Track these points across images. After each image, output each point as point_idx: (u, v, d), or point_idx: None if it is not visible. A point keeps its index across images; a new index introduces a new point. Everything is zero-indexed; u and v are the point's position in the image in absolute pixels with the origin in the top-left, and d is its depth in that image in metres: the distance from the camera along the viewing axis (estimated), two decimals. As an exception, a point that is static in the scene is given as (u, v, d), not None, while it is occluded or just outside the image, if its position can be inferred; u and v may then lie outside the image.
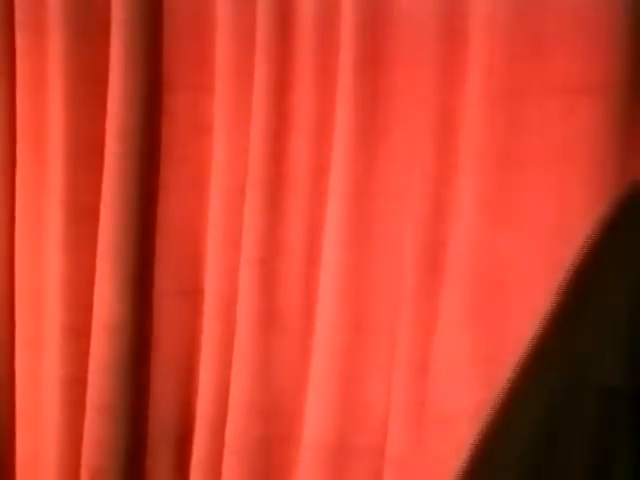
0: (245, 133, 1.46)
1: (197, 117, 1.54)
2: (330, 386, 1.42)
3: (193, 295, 1.54)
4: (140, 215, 1.54)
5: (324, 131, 1.43)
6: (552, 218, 1.26)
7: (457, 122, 1.31)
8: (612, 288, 1.23)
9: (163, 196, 1.56)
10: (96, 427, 1.55)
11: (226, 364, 1.48)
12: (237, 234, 1.48)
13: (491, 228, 1.29)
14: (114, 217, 1.53)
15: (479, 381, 1.30)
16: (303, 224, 1.46)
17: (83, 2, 1.55)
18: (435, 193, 1.34)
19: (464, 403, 1.31)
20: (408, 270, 1.36)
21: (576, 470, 1.23)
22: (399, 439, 1.38)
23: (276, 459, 1.48)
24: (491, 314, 1.29)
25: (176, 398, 1.57)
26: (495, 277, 1.29)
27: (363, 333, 1.42)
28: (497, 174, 1.28)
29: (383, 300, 1.42)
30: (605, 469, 1.21)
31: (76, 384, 1.59)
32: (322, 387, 1.43)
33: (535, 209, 1.27)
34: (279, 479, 1.48)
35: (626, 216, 1.22)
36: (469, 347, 1.30)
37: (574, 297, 1.24)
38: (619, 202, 1.21)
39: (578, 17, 1.21)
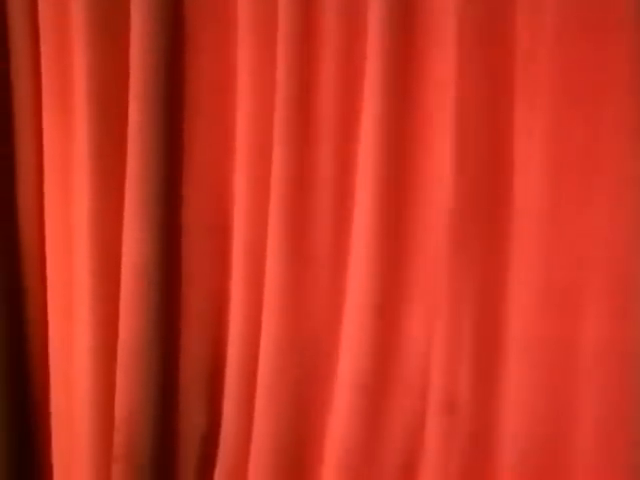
0: (271, 79, 1.45)
1: (223, 59, 1.53)
2: (366, 322, 1.40)
3: (222, 232, 1.54)
4: (167, 155, 1.53)
5: (352, 74, 1.41)
6: None
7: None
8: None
9: (190, 136, 1.55)
10: (128, 368, 1.55)
11: (257, 301, 1.48)
12: (265, 170, 1.46)
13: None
14: (141, 159, 1.52)
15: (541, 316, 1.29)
16: (334, 160, 1.44)
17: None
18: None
19: (518, 338, 1.30)
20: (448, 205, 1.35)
21: None
22: (444, 377, 1.36)
23: (310, 397, 1.47)
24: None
25: (207, 337, 1.57)
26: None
27: (401, 266, 1.40)
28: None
29: (422, 232, 1.39)
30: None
31: (107, 327, 1.60)
32: (358, 323, 1.41)
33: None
34: (313, 417, 1.47)
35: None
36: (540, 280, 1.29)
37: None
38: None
39: None
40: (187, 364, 1.58)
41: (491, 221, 1.32)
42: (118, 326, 1.57)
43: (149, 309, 1.54)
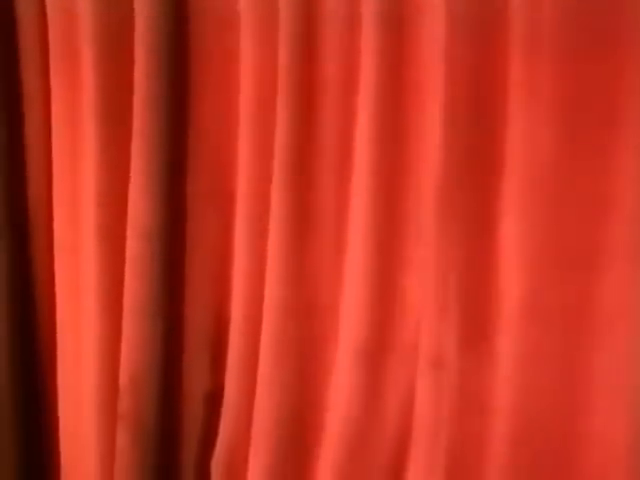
0: (273, 63, 1.47)
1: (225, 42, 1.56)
2: (365, 285, 1.44)
3: (225, 199, 1.57)
4: (171, 122, 1.56)
5: (351, 48, 1.43)
6: None
7: None
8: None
9: (195, 105, 1.58)
10: (133, 330, 1.59)
11: (260, 265, 1.51)
12: (268, 138, 1.49)
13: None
14: (146, 125, 1.55)
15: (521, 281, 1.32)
16: (334, 127, 1.47)
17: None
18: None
19: (505, 304, 1.33)
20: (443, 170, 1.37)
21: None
22: (434, 337, 1.39)
23: (312, 358, 1.50)
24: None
25: (211, 301, 1.61)
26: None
27: (398, 232, 1.43)
28: None
29: (415, 207, 1.42)
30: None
31: (112, 289, 1.63)
32: (357, 286, 1.44)
33: None
34: (316, 378, 1.51)
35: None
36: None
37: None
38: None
39: None
40: (191, 327, 1.62)
41: (479, 195, 1.35)
42: (122, 293, 1.60)
43: (153, 274, 1.58)
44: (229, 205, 1.56)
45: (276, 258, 1.48)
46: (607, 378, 1.30)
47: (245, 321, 1.53)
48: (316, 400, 1.51)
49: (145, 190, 1.56)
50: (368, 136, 1.41)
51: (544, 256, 1.30)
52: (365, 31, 1.40)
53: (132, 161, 1.57)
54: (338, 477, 1.47)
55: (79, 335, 1.70)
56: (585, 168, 1.28)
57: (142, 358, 1.60)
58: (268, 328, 1.49)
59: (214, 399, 1.60)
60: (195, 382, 1.62)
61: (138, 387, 1.60)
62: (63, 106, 1.66)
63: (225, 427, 1.58)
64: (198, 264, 1.59)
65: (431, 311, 1.38)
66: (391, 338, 1.44)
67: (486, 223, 1.34)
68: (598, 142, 1.27)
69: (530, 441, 1.34)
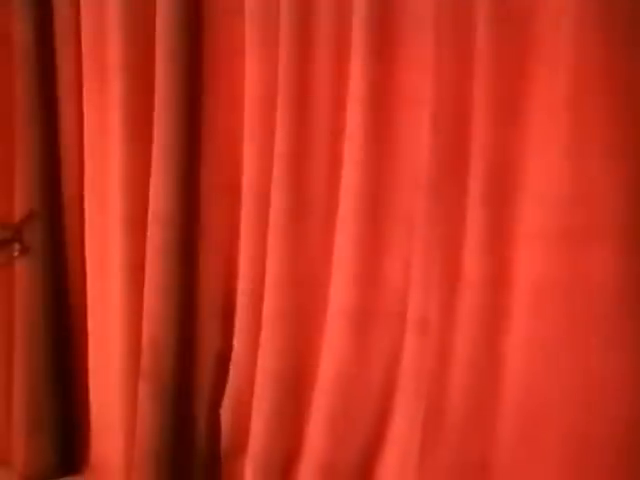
0: (274, 53, 1.71)
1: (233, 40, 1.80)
2: (351, 262, 1.68)
3: (233, 189, 1.82)
4: (188, 121, 1.82)
5: (340, 59, 1.67)
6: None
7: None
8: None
9: (209, 107, 1.83)
10: (155, 301, 1.85)
11: (262, 248, 1.76)
12: (270, 137, 1.73)
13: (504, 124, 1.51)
14: (166, 124, 1.81)
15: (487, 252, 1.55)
16: (326, 126, 1.71)
17: None
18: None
19: (476, 272, 1.55)
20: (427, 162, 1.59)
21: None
22: (420, 305, 1.62)
23: (307, 323, 1.76)
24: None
25: (221, 276, 1.87)
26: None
27: (381, 216, 1.67)
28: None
29: (400, 188, 1.65)
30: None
31: (135, 269, 1.89)
32: (344, 263, 1.70)
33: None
34: (310, 339, 1.76)
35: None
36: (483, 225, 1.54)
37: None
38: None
39: None
40: (204, 297, 1.88)
41: (455, 189, 1.57)
42: (144, 266, 1.86)
43: (171, 250, 1.84)
44: (237, 196, 1.81)
45: (275, 241, 1.74)
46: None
47: (250, 293, 1.80)
48: (310, 358, 1.76)
49: (164, 181, 1.82)
50: (357, 135, 1.64)
51: (503, 236, 1.54)
52: (355, 36, 1.62)
53: (153, 158, 1.83)
54: (329, 422, 1.73)
55: (107, 305, 1.96)
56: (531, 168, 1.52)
57: (160, 324, 1.86)
58: (269, 299, 1.76)
59: (224, 358, 1.86)
60: (207, 343, 1.88)
61: (158, 347, 1.86)
62: (94, 110, 1.92)
63: (233, 381, 1.85)
64: (210, 245, 1.85)
65: (417, 284, 1.62)
66: (374, 307, 1.69)
67: (461, 210, 1.57)
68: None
69: (485, 389, 1.57)
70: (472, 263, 1.57)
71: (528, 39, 1.47)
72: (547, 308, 1.50)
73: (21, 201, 2.00)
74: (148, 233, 1.86)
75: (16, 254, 1.89)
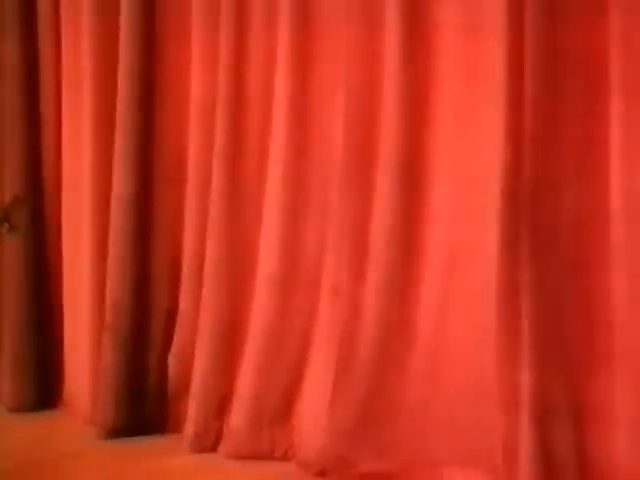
0: (215, 67, 2.14)
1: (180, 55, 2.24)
2: (276, 235, 2.07)
3: (180, 182, 2.23)
4: (144, 120, 2.24)
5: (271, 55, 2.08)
6: None
7: None
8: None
9: (161, 110, 2.25)
10: (115, 270, 2.25)
11: (203, 219, 2.15)
12: (210, 135, 2.15)
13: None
14: (125, 124, 2.23)
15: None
16: (257, 126, 2.11)
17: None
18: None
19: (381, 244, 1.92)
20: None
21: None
22: (333, 271, 2.00)
23: (239, 285, 2.13)
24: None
25: (170, 249, 2.26)
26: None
27: (301, 199, 2.04)
28: None
29: (318, 170, 2.03)
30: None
31: (101, 243, 2.29)
32: (270, 235, 2.08)
33: None
34: (242, 298, 2.13)
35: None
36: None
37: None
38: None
39: None
40: (156, 265, 2.27)
41: (364, 176, 1.97)
42: (108, 240, 2.26)
43: (130, 227, 2.23)
44: (184, 179, 2.23)
45: (214, 214, 2.13)
46: None
47: (194, 257, 2.19)
48: (242, 313, 2.12)
49: (124, 171, 2.23)
50: (281, 129, 2.04)
51: (410, 217, 1.92)
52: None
53: (115, 153, 2.25)
54: (257, 366, 2.08)
55: (79, 272, 2.37)
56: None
57: (121, 287, 2.24)
58: (209, 265, 2.14)
59: (172, 314, 2.23)
60: (159, 303, 2.26)
61: (118, 306, 2.24)
62: (69, 115, 2.38)
63: (179, 333, 2.22)
64: (161, 222, 2.26)
65: (331, 254, 2.00)
66: (295, 272, 2.06)
67: (367, 192, 1.96)
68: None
69: (393, 339, 1.92)
70: (378, 239, 1.95)
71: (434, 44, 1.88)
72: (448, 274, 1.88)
73: (9, 188, 2.42)
74: (111, 212, 2.26)
75: (5, 231, 2.19)
